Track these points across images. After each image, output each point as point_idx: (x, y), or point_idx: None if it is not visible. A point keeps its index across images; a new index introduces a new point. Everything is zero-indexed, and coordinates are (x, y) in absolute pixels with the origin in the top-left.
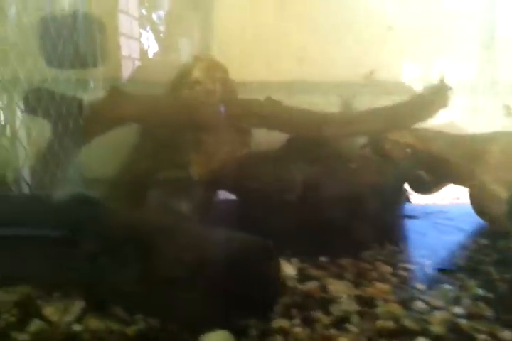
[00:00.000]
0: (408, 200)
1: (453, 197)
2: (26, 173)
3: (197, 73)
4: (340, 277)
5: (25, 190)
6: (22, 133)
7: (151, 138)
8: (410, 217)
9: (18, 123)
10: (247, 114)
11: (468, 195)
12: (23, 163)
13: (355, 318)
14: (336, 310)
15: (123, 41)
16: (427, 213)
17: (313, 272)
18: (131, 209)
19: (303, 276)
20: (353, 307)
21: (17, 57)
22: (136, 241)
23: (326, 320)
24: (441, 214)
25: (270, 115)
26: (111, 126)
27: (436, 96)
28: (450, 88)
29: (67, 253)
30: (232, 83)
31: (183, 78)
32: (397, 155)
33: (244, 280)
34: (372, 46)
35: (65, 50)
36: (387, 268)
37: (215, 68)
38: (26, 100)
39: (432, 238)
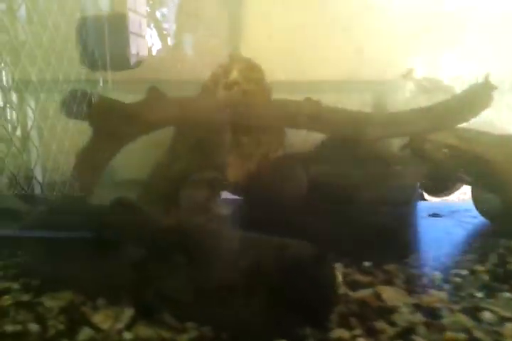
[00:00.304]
0: (423, 198)
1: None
2: (38, 173)
3: (235, 74)
4: (389, 283)
5: (37, 189)
6: (34, 134)
7: (187, 140)
8: (435, 215)
9: (29, 123)
10: (286, 115)
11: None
12: (35, 162)
13: (421, 329)
14: (398, 320)
15: (152, 41)
16: (451, 211)
17: (360, 278)
18: (166, 211)
19: (351, 282)
20: (417, 317)
21: (28, 56)
22: (187, 246)
23: (390, 330)
24: (466, 212)
25: (310, 116)
26: (150, 129)
27: (480, 96)
28: (495, 87)
29: (113, 259)
30: (267, 84)
31: (219, 79)
32: (438, 156)
33: (301, 287)
34: (405, 46)
35: (104, 51)
36: (437, 274)
37: (251, 68)
38: (64, 103)
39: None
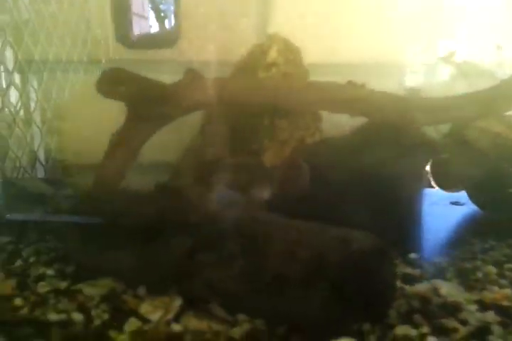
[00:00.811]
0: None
1: None
2: (41, 155)
3: (274, 55)
4: (441, 278)
5: (41, 172)
6: (37, 115)
7: (222, 123)
8: (456, 203)
9: (32, 104)
10: (327, 98)
11: None
12: (39, 145)
13: (497, 329)
14: (468, 318)
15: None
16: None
17: (409, 271)
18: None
19: (401, 276)
20: (489, 315)
21: (31, 35)
22: (241, 235)
23: (463, 330)
24: None
25: (354, 100)
26: (187, 111)
27: None
28: None
29: (157, 247)
30: (305, 65)
31: (256, 60)
32: (483, 145)
33: (361, 281)
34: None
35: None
36: (490, 268)
37: (290, 49)
38: (101, 82)
39: None
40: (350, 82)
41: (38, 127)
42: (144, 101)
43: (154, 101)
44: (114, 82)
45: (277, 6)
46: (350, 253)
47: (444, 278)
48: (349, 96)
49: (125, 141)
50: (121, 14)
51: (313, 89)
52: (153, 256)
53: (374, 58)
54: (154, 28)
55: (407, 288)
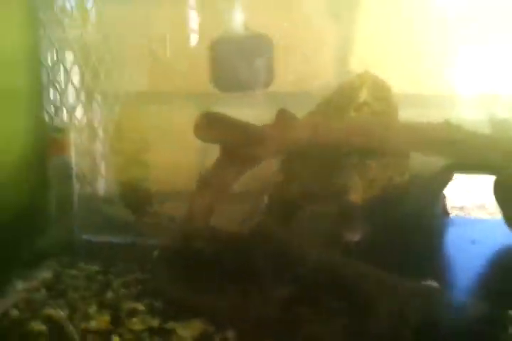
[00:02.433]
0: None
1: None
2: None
3: (365, 93)
4: None
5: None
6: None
7: (309, 162)
8: None
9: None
10: (421, 140)
11: None
12: None
13: None
14: None
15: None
16: None
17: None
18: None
19: None
20: None
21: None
22: (342, 289)
23: None
24: None
25: (449, 142)
26: (280, 151)
27: None
28: None
29: (253, 292)
30: (395, 102)
31: (346, 98)
32: None
33: None
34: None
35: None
36: None
37: (381, 87)
38: (198, 127)
39: None
40: (446, 123)
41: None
42: (238, 144)
43: (247, 144)
44: (211, 127)
45: (361, 40)
46: (467, 321)
47: None
48: (445, 139)
49: (216, 181)
50: (219, 59)
51: (405, 129)
52: (248, 303)
53: (461, 90)
54: (250, 71)
55: None
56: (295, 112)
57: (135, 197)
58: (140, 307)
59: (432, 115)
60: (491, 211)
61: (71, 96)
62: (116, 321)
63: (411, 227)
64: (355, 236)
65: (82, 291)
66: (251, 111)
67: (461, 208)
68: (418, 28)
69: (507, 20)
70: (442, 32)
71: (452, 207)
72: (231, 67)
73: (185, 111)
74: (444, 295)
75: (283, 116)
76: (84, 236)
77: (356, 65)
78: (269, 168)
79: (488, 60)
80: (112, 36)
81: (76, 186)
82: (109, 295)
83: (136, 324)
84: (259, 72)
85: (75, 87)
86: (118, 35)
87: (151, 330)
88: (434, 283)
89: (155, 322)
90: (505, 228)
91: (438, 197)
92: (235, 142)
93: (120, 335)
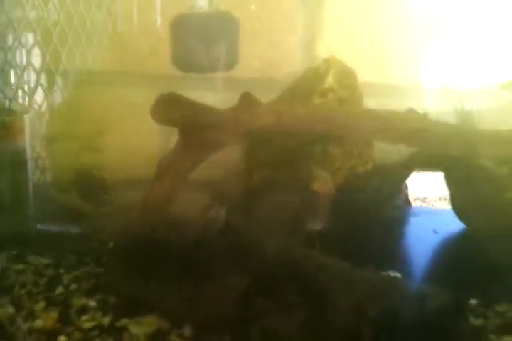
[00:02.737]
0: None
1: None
2: None
3: (331, 80)
4: (509, 332)
5: None
6: None
7: (272, 149)
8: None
9: None
10: (386, 127)
11: None
12: None
13: None
14: None
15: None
16: None
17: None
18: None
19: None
20: None
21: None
22: (300, 281)
23: None
24: None
25: (415, 130)
26: (241, 137)
27: None
28: None
29: (211, 286)
30: (360, 90)
31: (311, 84)
32: None
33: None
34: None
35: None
36: None
37: (346, 73)
38: (156, 109)
39: None
40: (411, 111)
41: None
42: (198, 128)
43: (207, 128)
44: (169, 109)
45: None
46: (424, 312)
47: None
48: (410, 127)
49: (174, 167)
50: (181, 38)
51: (371, 116)
52: (204, 296)
53: (428, 81)
54: (211, 50)
55: None
56: (261, 99)
57: (89, 185)
58: (91, 303)
59: (396, 105)
60: None
61: (31, 78)
62: (65, 319)
63: (373, 217)
64: (318, 225)
65: (29, 287)
66: (215, 96)
67: (424, 199)
68: (386, 15)
69: (472, 13)
70: (410, 22)
71: (415, 199)
72: (193, 47)
73: (147, 93)
74: (404, 286)
75: (246, 100)
76: (40, 227)
77: (323, 51)
78: (231, 156)
79: (453, 53)
80: (74, 15)
81: (30, 173)
82: (59, 290)
83: (86, 322)
84: (222, 52)
85: (34, 69)
86: (80, 14)
87: (102, 328)
88: (395, 273)
89: (106, 320)
90: None
91: (400, 188)
92: (194, 125)
93: (68, 334)
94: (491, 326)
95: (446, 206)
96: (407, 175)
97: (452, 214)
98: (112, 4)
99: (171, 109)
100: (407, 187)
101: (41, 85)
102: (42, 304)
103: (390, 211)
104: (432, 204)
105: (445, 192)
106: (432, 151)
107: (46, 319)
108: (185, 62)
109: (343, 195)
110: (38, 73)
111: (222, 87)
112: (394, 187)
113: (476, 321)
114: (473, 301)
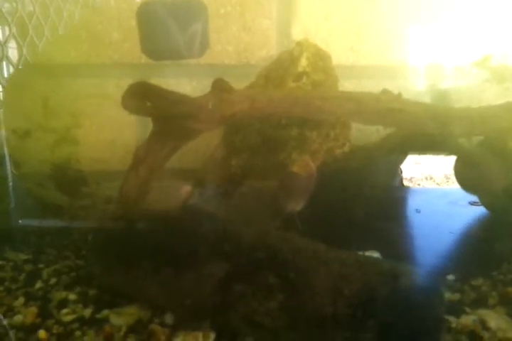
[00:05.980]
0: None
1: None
2: None
3: (304, 63)
4: (484, 305)
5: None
6: None
7: (249, 135)
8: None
9: None
10: (362, 109)
11: None
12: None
13: None
14: None
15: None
16: None
17: (448, 296)
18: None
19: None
20: None
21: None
22: (278, 264)
23: None
24: None
25: (389, 111)
26: (215, 125)
27: None
28: None
29: (189, 273)
30: (335, 72)
31: (285, 68)
32: None
33: (411, 319)
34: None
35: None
36: None
37: (320, 56)
38: (126, 98)
39: None
40: (385, 91)
41: None
42: (170, 116)
43: (181, 116)
44: (140, 98)
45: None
46: (397, 289)
47: (487, 306)
48: (384, 108)
49: (150, 156)
50: (147, 25)
51: (346, 98)
52: (184, 283)
53: (401, 61)
54: (182, 37)
55: (453, 320)
56: (234, 85)
57: (66, 179)
58: (71, 296)
59: (372, 86)
60: (438, 181)
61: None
62: (45, 313)
63: (354, 198)
64: (296, 206)
65: (7, 283)
66: (190, 83)
67: (411, 179)
68: None
69: None
70: (384, 1)
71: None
72: (160, 34)
73: (121, 84)
74: (379, 265)
75: (219, 87)
76: (20, 222)
77: (299, 33)
78: (208, 143)
79: (427, 31)
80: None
81: (9, 167)
82: (38, 285)
83: (67, 315)
84: (191, 39)
85: (10, 62)
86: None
87: (83, 321)
88: (374, 253)
89: (87, 312)
90: (450, 196)
91: (390, 169)
92: (166, 114)
93: (47, 329)
94: (467, 300)
95: (433, 185)
96: (385, 157)
97: (437, 192)
98: None
99: (141, 97)
100: (401, 170)
101: None
102: (21, 300)
103: (374, 191)
104: (419, 184)
105: (431, 171)
106: (407, 131)
107: (26, 314)
108: (153, 49)
109: (322, 177)
110: (14, 67)
111: (198, 73)
112: (373, 168)
113: (453, 296)
114: (450, 277)
